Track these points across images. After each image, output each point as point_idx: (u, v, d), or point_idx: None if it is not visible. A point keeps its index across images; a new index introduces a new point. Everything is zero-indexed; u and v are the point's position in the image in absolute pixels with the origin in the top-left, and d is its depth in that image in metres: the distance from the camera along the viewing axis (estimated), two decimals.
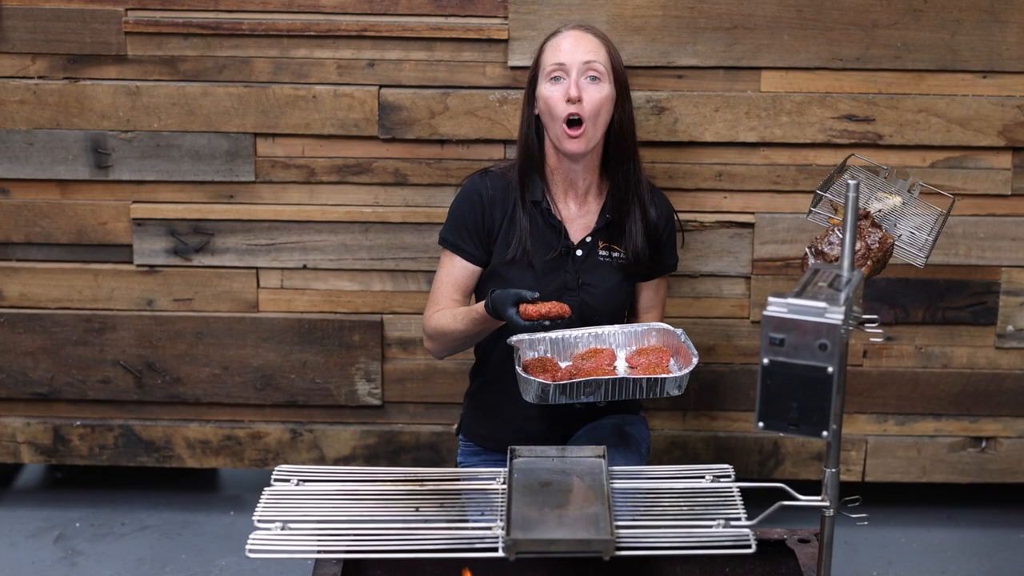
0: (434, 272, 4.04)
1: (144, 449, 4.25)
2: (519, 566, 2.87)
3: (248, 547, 2.58)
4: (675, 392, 3.16)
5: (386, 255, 4.10)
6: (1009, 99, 3.98)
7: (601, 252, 3.52)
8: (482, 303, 3.29)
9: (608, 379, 3.13)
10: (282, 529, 2.64)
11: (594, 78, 3.39)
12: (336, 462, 4.23)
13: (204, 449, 4.25)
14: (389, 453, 4.25)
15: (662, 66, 3.96)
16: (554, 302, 3.16)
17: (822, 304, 2.42)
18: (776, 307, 2.44)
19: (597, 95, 3.38)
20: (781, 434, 2.50)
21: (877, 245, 2.95)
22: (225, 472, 4.62)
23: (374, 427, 4.24)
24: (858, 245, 2.94)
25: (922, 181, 3.51)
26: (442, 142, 4.02)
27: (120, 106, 4.00)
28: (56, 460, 4.29)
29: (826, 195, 3.16)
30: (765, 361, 2.44)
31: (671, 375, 3.15)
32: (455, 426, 3.81)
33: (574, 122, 3.38)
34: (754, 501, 2.77)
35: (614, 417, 3.59)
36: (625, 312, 3.65)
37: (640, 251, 3.54)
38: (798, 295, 2.47)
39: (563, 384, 3.10)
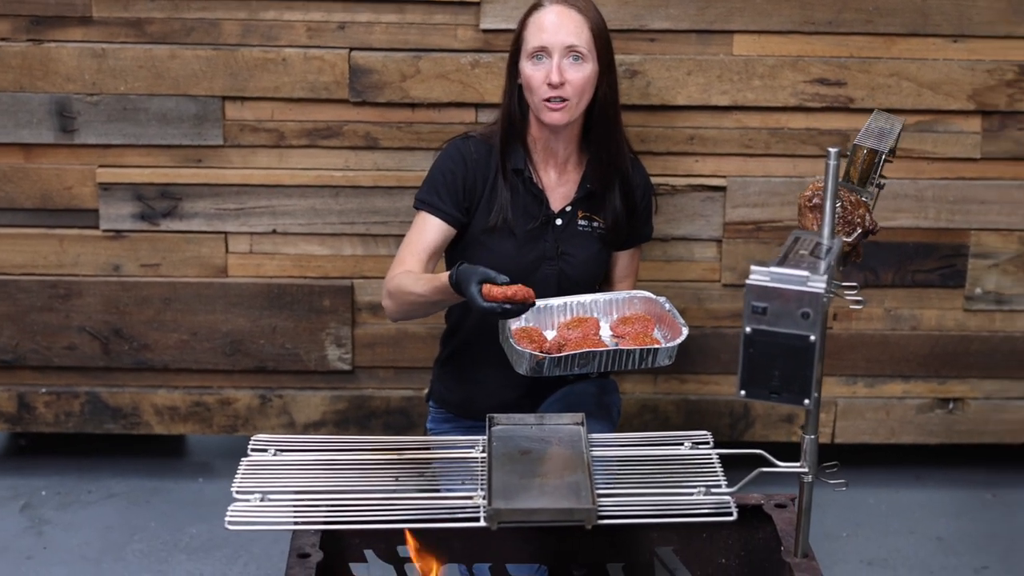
0: (403, 237, 4.04)
1: (111, 416, 4.22)
2: (499, 534, 2.86)
3: (227, 519, 2.57)
4: (666, 362, 3.16)
5: (356, 219, 4.07)
6: (979, 63, 3.98)
7: (580, 222, 3.51)
8: (447, 273, 3.21)
9: (603, 351, 3.12)
10: (261, 500, 2.62)
11: (576, 58, 3.35)
12: (306, 428, 4.22)
13: (172, 416, 4.22)
14: (359, 418, 4.23)
15: (634, 29, 3.94)
16: (520, 286, 3.02)
17: (804, 273, 2.42)
18: (758, 276, 2.43)
19: (579, 76, 3.35)
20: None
21: (860, 222, 2.93)
22: (192, 439, 4.59)
23: (344, 392, 4.22)
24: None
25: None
26: (413, 106, 3.99)
27: (86, 69, 3.94)
28: (21, 428, 4.24)
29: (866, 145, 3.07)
30: (747, 329, 2.44)
31: (664, 345, 3.15)
32: (425, 391, 3.79)
33: (556, 99, 3.35)
34: (730, 465, 2.77)
35: (586, 383, 3.58)
36: (599, 281, 3.64)
37: (619, 221, 3.52)
38: (780, 263, 2.47)
39: (558, 357, 3.09)
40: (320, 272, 4.13)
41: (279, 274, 4.13)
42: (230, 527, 2.55)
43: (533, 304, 3.03)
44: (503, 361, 3.35)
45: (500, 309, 3.00)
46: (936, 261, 4.13)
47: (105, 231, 4.08)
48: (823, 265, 2.46)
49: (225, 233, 4.09)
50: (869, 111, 3.92)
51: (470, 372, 3.60)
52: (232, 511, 2.58)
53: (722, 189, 4.07)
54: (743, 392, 2.48)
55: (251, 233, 4.09)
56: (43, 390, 4.20)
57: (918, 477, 4.41)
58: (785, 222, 4.08)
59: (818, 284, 2.40)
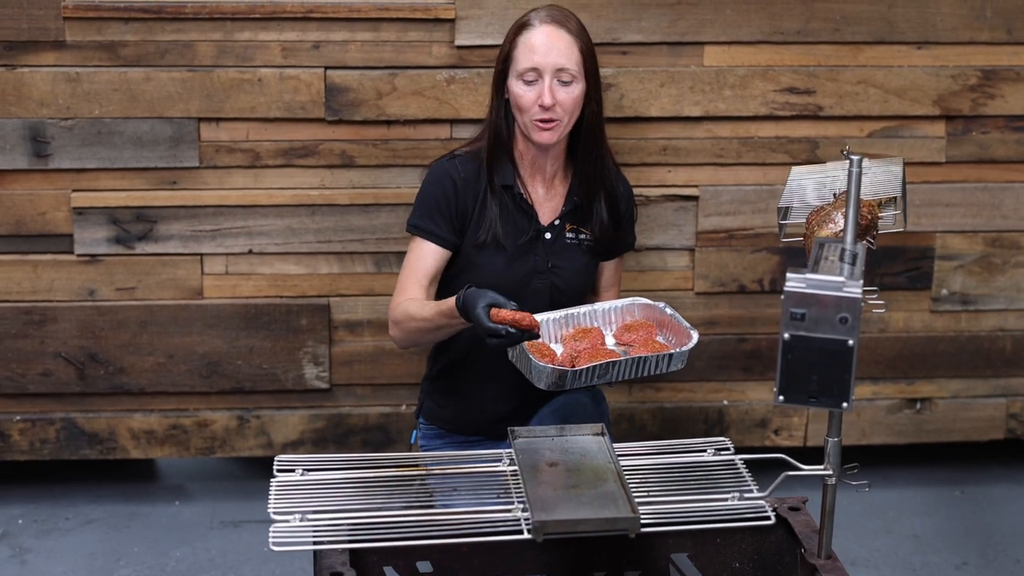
0: (381, 254, 4.07)
1: (87, 441, 4.18)
2: (515, 547, 2.88)
3: (271, 540, 2.55)
4: (679, 366, 3.21)
5: (333, 238, 4.08)
6: (943, 69, 4.07)
7: (568, 235, 3.54)
8: (453, 297, 3.22)
9: (622, 360, 3.16)
10: (301, 520, 2.61)
11: (566, 82, 3.38)
12: (284, 448, 4.20)
13: (149, 439, 4.19)
14: (338, 436, 4.23)
15: (607, 43, 3.98)
16: (527, 313, 3.04)
17: (840, 278, 2.47)
18: (795, 282, 2.48)
19: (569, 98, 3.38)
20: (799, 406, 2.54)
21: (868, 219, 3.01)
22: (163, 462, 4.56)
23: (322, 411, 4.22)
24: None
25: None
26: (389, 123, 4.01)
27: (59, 93, 3.91)
28: None
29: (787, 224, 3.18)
30: (785, 336, 2.49)
31: (680, 350, 3.21)
32: (414, 408, 3.80)
33: (546, 120, 3.39)
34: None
35: (579, 393, 3.61)
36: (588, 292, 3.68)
37: (606, 232, 3.57)
38: (813, 270, 2.52)
39: (579, 369, 3.12)
40: (297, 291, 4.12)
41: (255, 294, 4.12)
42: (275, 548, 2.54)
43: (537, 336, 3.06)
44: (496, 375, 3.38)
45: (504, 331, 3.02)
46: (903, 264, 4.22)
47: (80, 256, 4.04)
48: (856, 270, 2.52)
49: (201, 255, 4.07)
50: (838, 118, 4.03)
51: (463, 387, 3.61)
52: (275, 532, 2.57)
53: (694, 199, 4.13)
54: (781, 398, 2.53)
55: (227, 254, 4.08)
56: (17, 418, 4.15)
57: (887, 477, 4.49)
58: (756, 230, 4.14)
59: (854, 289, 2.46)
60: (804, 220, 3.12)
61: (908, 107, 4.08)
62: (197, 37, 3.91)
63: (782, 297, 2.48)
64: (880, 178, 3.20)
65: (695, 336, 3.26)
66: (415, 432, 3.76)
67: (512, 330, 3.01)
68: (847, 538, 4.15)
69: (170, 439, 4.20)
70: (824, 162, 3.55)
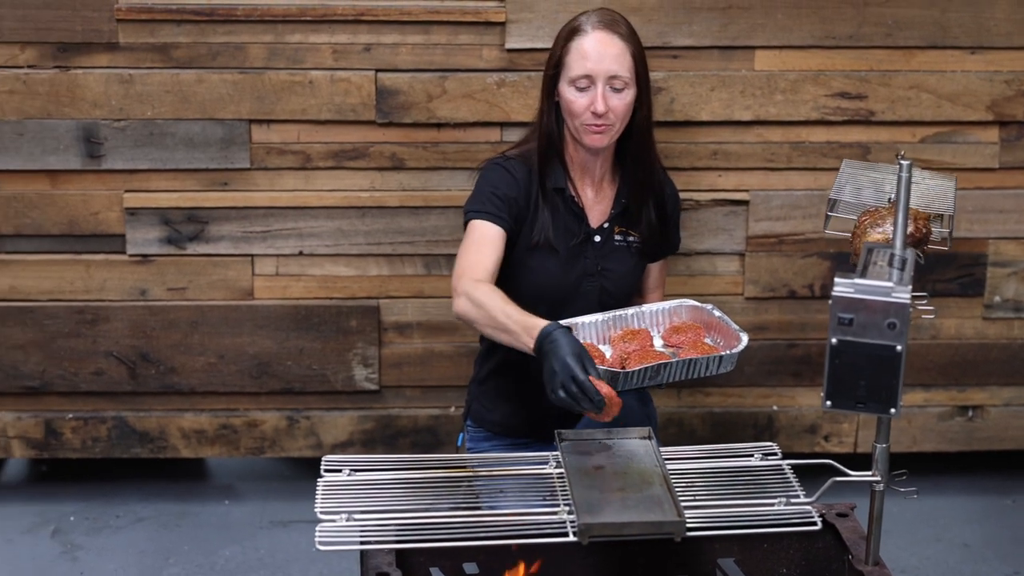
0: (431, 256, 4.09)
1: (138, 440, 4.21)
2: (562, 550, 2.89)
3: (318, 539, 2.57)
4: (729, 368, 3.21)
5: (383, 239, 4.09)
6: (997, 74, 4.05)
7: (617, 237, 3.54)
8: (540, 320, 3.11)
9: (674, 361, 3.16)
10: (347, 520, 2.63)
11: (618, 89, 3.38)
12: (333, 449, 4.22)
13: (199, 439, 4.22)
14: (387, 438, 4.24)
15: (658, 46, 3.98)
16: (612, 391, 2.97)
17: (889, 284, 2.47)
18: (843, 287, 2.48)
19: (621, 104, 3.37)
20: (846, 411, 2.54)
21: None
22: (214, 462, 4.58)
23: (371, 412, 4.23)
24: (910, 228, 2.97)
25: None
26: (439, 126, 4.02)
27: (112, 95, 3.94)
28: (48, 454, 4.23)
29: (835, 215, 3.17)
30: (833, 341, 2.48)
31: (730, 352, 3.20)
32: (462, 411, 3.81)
33: (598, 125, 3.39)
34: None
35: (626, 396, 3.60)
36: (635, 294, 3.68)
37: (653, 234, 3.56)
38: (862, 275, 2.51)
39: (631, 371, 3.12)
40: (346, 293, 4.14)
41: (305, 295, 4.14)
42: (321, 547, 2.55)
43: (602, 415, 2.97)
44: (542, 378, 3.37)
45: (586, 395, 2.93)
46: (955, 271, 4.19)
47: (132, 256, 4.08)
48: (905, 276, 2.51)
49: (252, 256, 4.10)
50: (890, 124, 4.02)
51: (511, 390, 3.62)
52: (321, 532, 2.58)
53: (745, 203, 4.12)
54: (828, 403, 2.52)
55: (277, 255, 4.10)
56: (70, 416, 4.19)
57: (937, 485, 4.46)
58: (807, 235, 4.13)
59: (903, 295, 2.45)
60: (853, 217, 3.11)
61: (961, 112, 4.06)
62: (248, 39, 3.93)
63: (830, 302, 2.48)
64: (933, 192, 3.19)
65: (744, 338, 3.25)
66: (461, 435, 3.76)
67: (585, 404, 2.93)
68: (897, 546, 4.13)
69: (220, 439, 4.22)
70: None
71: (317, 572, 3.95)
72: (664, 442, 4.17)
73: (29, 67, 3.93)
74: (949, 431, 4.33)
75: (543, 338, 3.05)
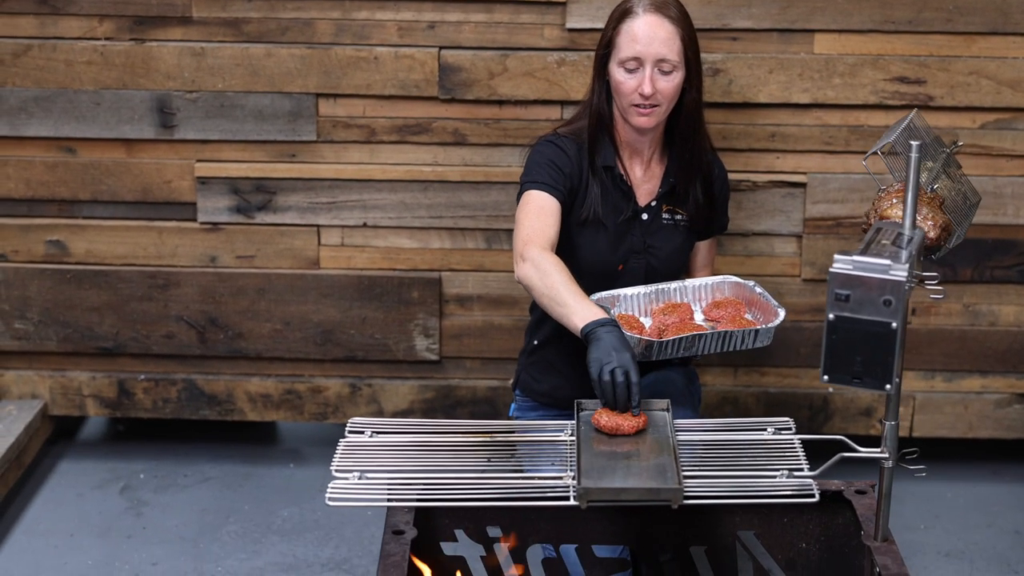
0: (492, 231, 4.17)
1: (206, 403, 4.36)
2: (585, 516, 2.96)
3: (328, 495, 2.67)
4: (766, 342, 3.28)
5: (445, 213, 4.18)
6: None
7: (664, 215, 3.60)
8: (600, 308, 3.17)
9: (708, 333, 3.23)
10: (359, 479, 2.73)
11: (667, 72, 3.43)
12: (394, 416, 4.33)
13: (265, 403, 4.36)
14: (446, 407, 4.34)
15: (717, 28, 4.02)
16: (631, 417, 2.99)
17: (886, 261, 2.50)
18: (841, 264, 2.52)
19: (669, 86, 3.42)
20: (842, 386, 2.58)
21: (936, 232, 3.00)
22: (283, 426, 4.72)
23: (431, 382, 4.34)
24: (930, 222, 2.98)
25: (958, 143, 3.56)
26: (500, 103, 4.10)
27: (185, 67, 4.08)
28: (120, 413, 4.39)
29: (877, 152, 3.17)
30: (831, 316, 2.53)
31: (765, 326, 3.26)
32: (511, 381, 3.89)
33: (646, 106, 3.44)
34: (813, 454, 2.86)
35: (672, 371, 3.67)
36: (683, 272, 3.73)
37: (701, 213, 3.61)
38: (863, 252, 2.55)
39: (666, 341, 3.20)
40: (409, 264, 4.24)
41: (369, 266, 4.25)
42: (330, 503, 2.66)
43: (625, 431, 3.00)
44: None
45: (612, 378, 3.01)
46: (1014, 257, 4.18)
47: (202, 223, 4.22)
48: (905, 254, 2.54)
49: (317, 226, 4.22)
50: (949, 109, 4.02)
51: (557, 362, 3.69)
52: (332, 488, 2.69)
53: (802, 185, 4.15)
54: (826, 377, 2.57)
55: (342, 226, 4.21)
56: (142, 377, 4.35)
57: (994, 472, 4.46)
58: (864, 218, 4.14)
59: (900, 272, 2.48)
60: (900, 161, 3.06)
61: (1021, 99, 4.04)
62: (316, 15, 4.05)
63: (827, 278, 2.52)
64: (958, 201, 3.19)
65: (782, 313, 3.31)
66: (512, 405, 3.85)
67: (605, 419, 2.99)
68: (946, 530, 4.14)
69: (285, 403, 4.35)
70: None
71: (369, 535, 4.06)
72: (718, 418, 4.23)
73: (106, 39, 4.08)
74: (1006, 418, 4.33)
75: (589, 326, 3.12)
